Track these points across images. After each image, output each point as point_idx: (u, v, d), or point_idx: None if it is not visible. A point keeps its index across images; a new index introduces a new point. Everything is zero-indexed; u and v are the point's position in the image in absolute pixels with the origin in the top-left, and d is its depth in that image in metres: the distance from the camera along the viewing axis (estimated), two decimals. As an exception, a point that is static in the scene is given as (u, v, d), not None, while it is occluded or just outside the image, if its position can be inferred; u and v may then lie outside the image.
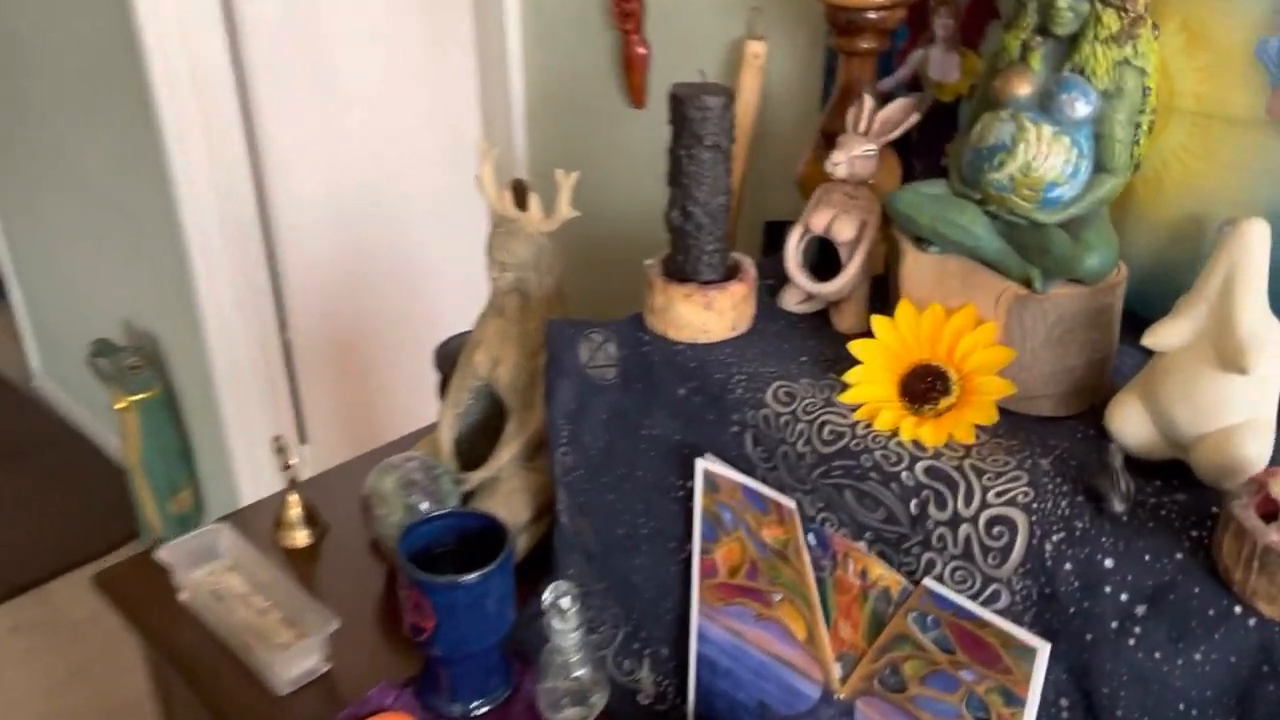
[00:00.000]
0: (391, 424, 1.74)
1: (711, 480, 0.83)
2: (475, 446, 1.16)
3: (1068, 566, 0.65)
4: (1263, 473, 0.62)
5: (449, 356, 1.24)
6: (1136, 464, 0.69)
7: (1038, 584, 0.66)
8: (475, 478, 1.11)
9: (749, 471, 0.82)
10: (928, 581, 0.71)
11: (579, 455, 0.96)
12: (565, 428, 0.96)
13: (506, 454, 1.10)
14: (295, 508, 1.18)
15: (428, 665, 0.97)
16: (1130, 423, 0.70)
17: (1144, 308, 0.78)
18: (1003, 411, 0.74)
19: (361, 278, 1.95)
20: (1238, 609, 0.59)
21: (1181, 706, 0.61)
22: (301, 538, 1.18)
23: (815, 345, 0.86)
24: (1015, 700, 0.68)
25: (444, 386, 1.22)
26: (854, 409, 0.78)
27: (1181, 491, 0.68)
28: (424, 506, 1.08)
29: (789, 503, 0.78)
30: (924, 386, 0.76)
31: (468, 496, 1.12)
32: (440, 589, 0.89)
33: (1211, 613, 0.59)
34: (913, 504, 0.72)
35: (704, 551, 0.86)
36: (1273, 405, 0.66)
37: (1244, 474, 0.65)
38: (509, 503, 1.09)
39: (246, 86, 1.75)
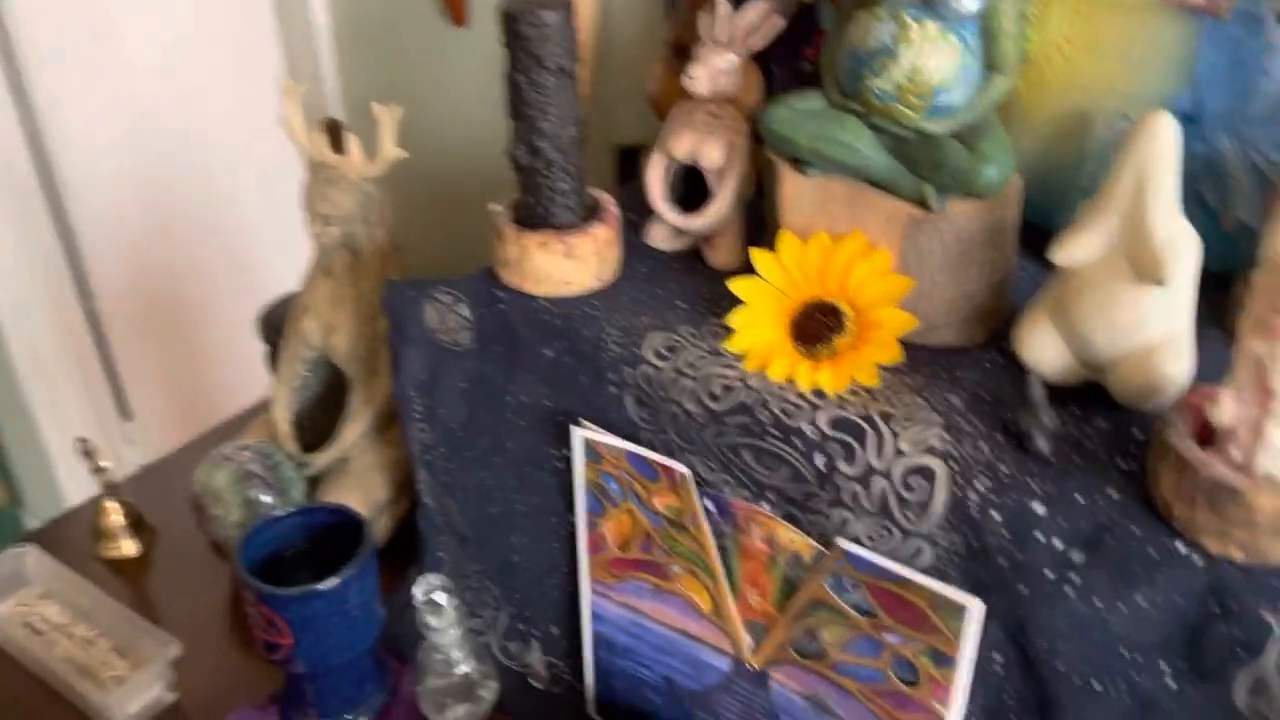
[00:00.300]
0: (224, 395, 1.58)
1: (592, 449, 0.74)
2: (317, 424, 1.04)
3: (995, 516, 0.59)
4: (1194, 395, 0.57)
5: (275, 324, 1.10)
6: (1050, 392, 0.64)
7: (963, 537, 0.61)
8: (320, 460, 0.99)
9: (633, 436, 0.73)
10: (842, 542, 0.64)
11: (437, 431, 0.85)
12: (418, 401, 0.85)
13: (353, 431, 0.98)
14: (115, 515, 1.03)
15: (290, 681, 0.86)
16: (1043, 348, 0.64)
17: (1031, 214, 0.73)
18: (904, 347, 0.68)
19: (171, 236, 1.75)
20: (1181, 547, 0.54)
21: (1125, 653, 0.57)
22: (128, 548, 1.04)
23: (692, 287, 0.78)
24: (946, 661, 0.62)
25: (274, 358, 1.09)
26: (743, 357, 0.70)
27: (1100, 418, 0.63)
28: (265, 500, 0.95)
29: (681, 468, 0.70)
30: (816, 326, 0.69)
31: (314, 481, 1.00)
32: (293, 602, 0.78)
33: (1153, 553, 0.55)
34: (819, 459, 0.65)
35: (590, 526, 0.78)
36: (1189, 315, 0.61)
37: (1166, 394, 0.61)
38: (363, 484, 0.98)
39: (4, 24, 1.51)
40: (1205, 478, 0.52)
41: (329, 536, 0.85)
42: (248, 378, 1.40)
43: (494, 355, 0.80)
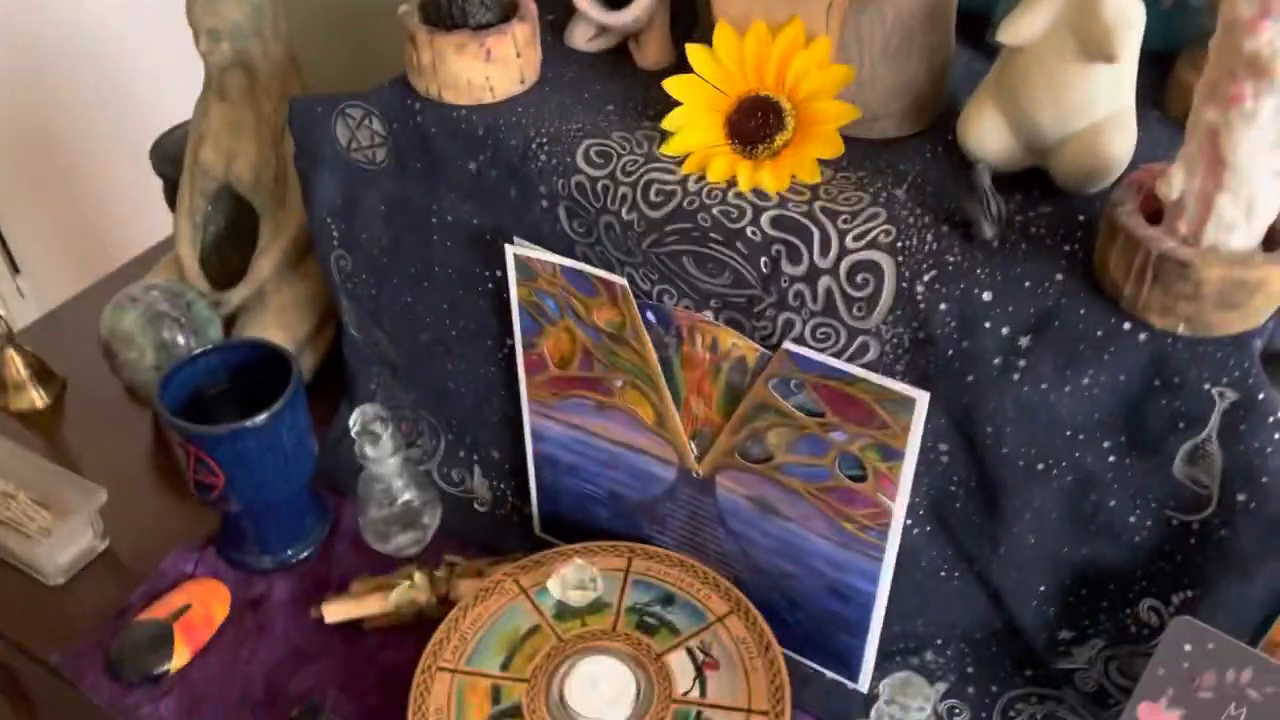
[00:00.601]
0: (122, 237, 1.49)
1: (525, 266, 0.71)
2: (227, 261, 0.99)
3: (943, 306, 0.58)
4: (1140, 173, 0.56)
5: (170, 156, 1.03)
6: (994, 180, 0.62)
7: (910, 330, 0.60)
8: (235, 297, 0.95)
9: (567, 251, 0.70)
10: (787, 345, 0.63)
11: (359, 258, 0.81)
12: (335, 228, 0.80)
13: (267, 264, 0.93)
14: (17, 365, 0.98)
15: (226, 520, 0.84)
16: (987, 134, 0.62)
17: (964, 2, 0.70)
18: (844, 141, 0.65)
19: (37, 68, 1.60)
20: (1127, 325, 0.54)
21: (1068, 433, 0.58)
22: (35, 398, 0.99)
23: (621, 89, 0.73)
24: (893, 454, 0.63)
25: (172, 193, 1.02)
26: (680, 161, 0.67)
27: (1045, 204, 0.62)
28: (180, 341, 0.91)
29: (620, 280, 0.67)
30: (755, 123, 0.66)
31: (230, 320, 0.95)
32: (222, 441, 0.75)
33: (1100, 333, 0.55)
34: (762, 262, 0.63)
35: (527, 346, 0.76)
36: (1132, 92, 0.60)
37: (1110, 175, 0.60)
38: (282, 320, 0.94)
39: None
40: (1154, 253, 0.52)
41: (253, 373, 0.81)
42: (145, 217, 1.32)
43: (414, 173, 0.75)
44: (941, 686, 0.74)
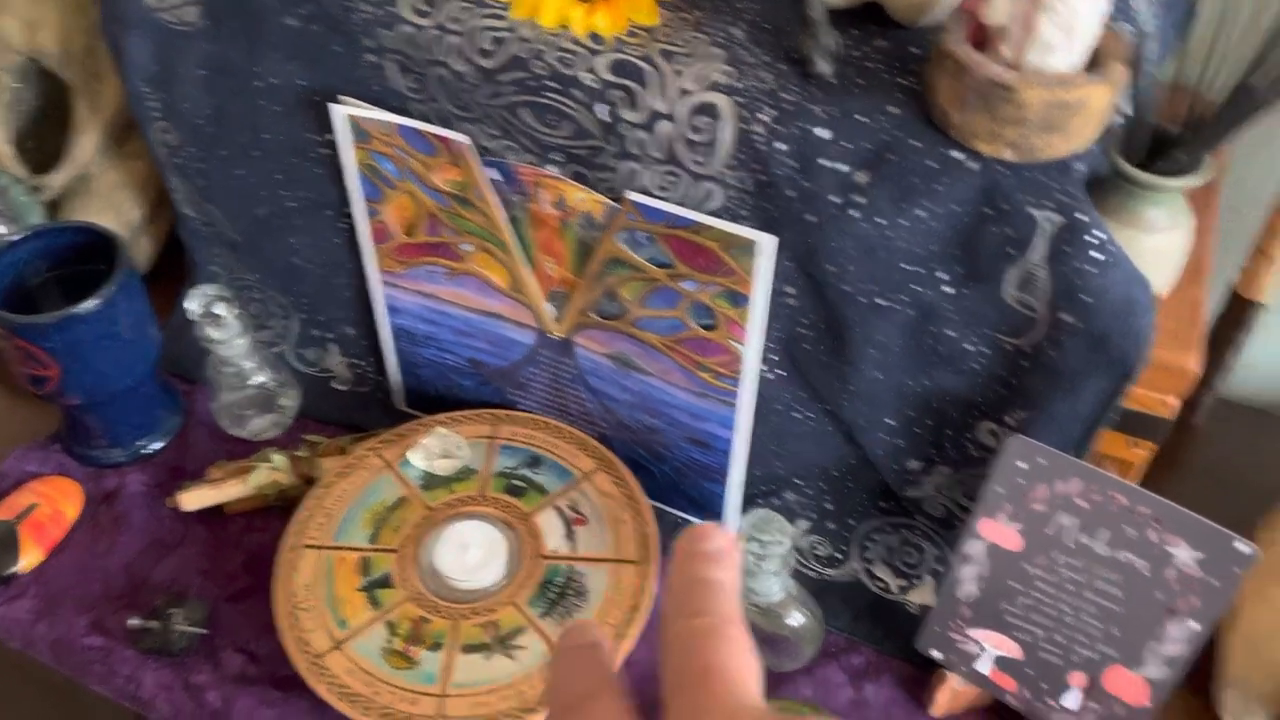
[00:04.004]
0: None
1: (358, 127, 0.68)
2: (45, 143, 0.91)
3: (781, 146, 0.58)
4: (970, 1, 0.56)
5: (-33, 31, 0.94)
6: (830, 16, 0.61)
7: (752, 173, 0.60)
8: (55, 181, 0.88)
9: (402, 109, 0.67)
10: (632, 195, 0.62)
11: (183, 130, 0.76)
12: (153, 98, 0.75)
13: (87, 144, 0.87)
14: None
15: (69, 414, 0.81)
16: (821, -32, 0.61)
17: None
18: (681, -20, 0.63)
19: None
20: (957, 154, 0.55)
21: (906, 267, 0.59)
22: None
23: (446, -67, 0.69)
24: (741, 300, 0.63)
25: (-25, 72, 0.93)
26: (510, 5, 0.64)
27: (880, 38, 0.61)
28: (-2, 231, 0.85)
29: (459, 137, 0.65)
30: (588, -36, 0.63)
31: (53, 207, 0.89)
32: (50, 330, 0.71)
33: (932, 164, 0.55)
34: (601, 110, 0.62)
35: (370, 214, 0.73)
36: (963, -78, 0.59)
37: (942, 5, 0.60)
38: (111, 204, 0.88)
39: None
40: (980, 78, 0.52)
41: (83, 261, 0.77)
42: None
43: (231, 32, 0.70)
44: (803, 524, 0.77)
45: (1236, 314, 0.79)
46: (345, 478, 0.76)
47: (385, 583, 0.70)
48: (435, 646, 0.67)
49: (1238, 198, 0.80)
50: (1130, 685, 0.61)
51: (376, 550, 0.72)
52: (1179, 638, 0.59)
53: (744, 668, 0.26)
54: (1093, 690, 0.63)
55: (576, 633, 0.30)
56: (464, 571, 0.70)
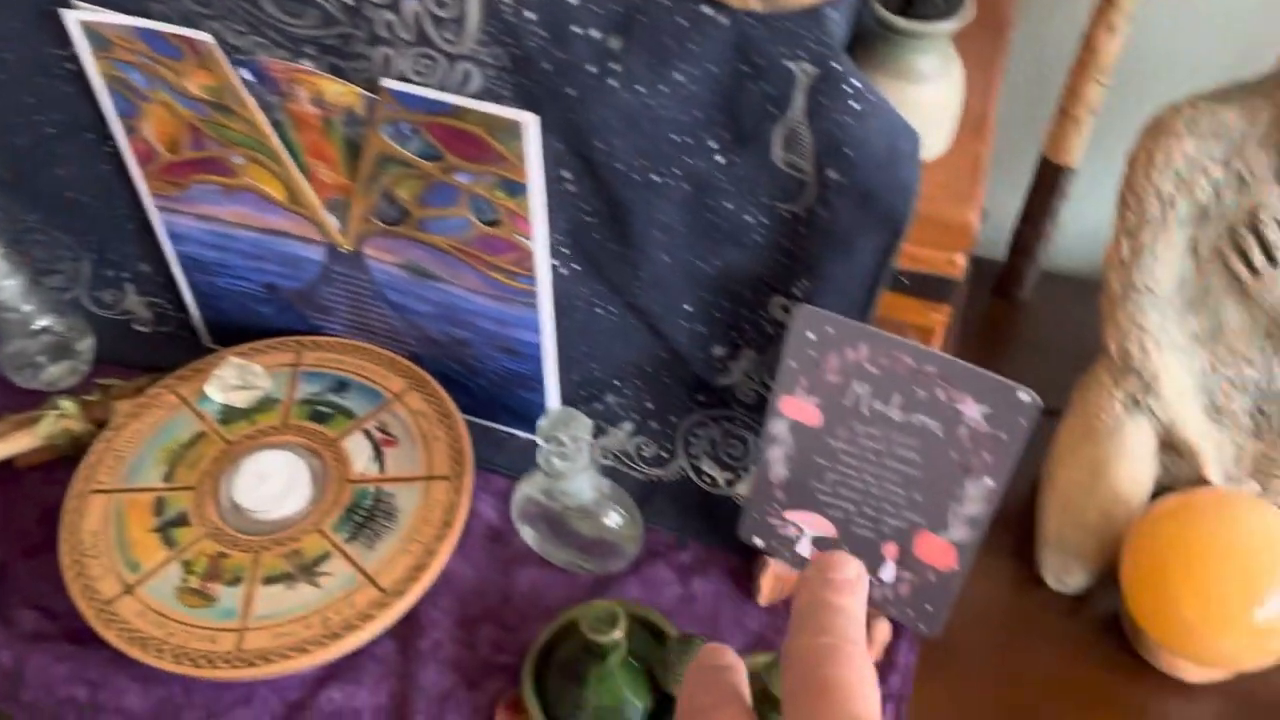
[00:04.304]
0: None
1: (95, 34, 0.63)
2: None
3: (531, 15, 0.54)
4: None
5: None
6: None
7: (505, 48, 0.56)
8: None
9: (140, 10, 0.62)
10: (388, 83, 0.58)
11: (-85, 55, 0.70)
12: (-121, 21, 0.69)
13: None
14: None
15: None
16: None
17: None
18: None
19: None
20: (706, 9, 0.52)
21: (674, 138, 0.56)
22: None
23: None
24: (518, 189, 0.60)
25: None
26: (242, -111, 0.59)
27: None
28: None
29: (202, 36, 0.60)
30: None
31: None
32: None
33: (683, 21, 0.53)
34: (346, -7, 0.58)
35: (128, 131, 0.68)
36: None
37: None
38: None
39: None
40: (716, -76, 0.49)
41: None
42: None
43: (-51, -59, 0.64)
44: (627, 426, 0.75)
45: (1049, 181, 0.79)
46: (138, 418, 0.72)
47: (181, 521, 0.67)
48: (235, 581, 0.64)
49: (1040, 59, 0.79)
50: (938, 550, 0.61)
51: (172, 489, 0.68)
52: (978, 496, 0.58)
53: (864, 684, 0.28)
54: (905, 559, 0.62)
55: (714, 654, 0.32)
56: (264, 502, 0.67)
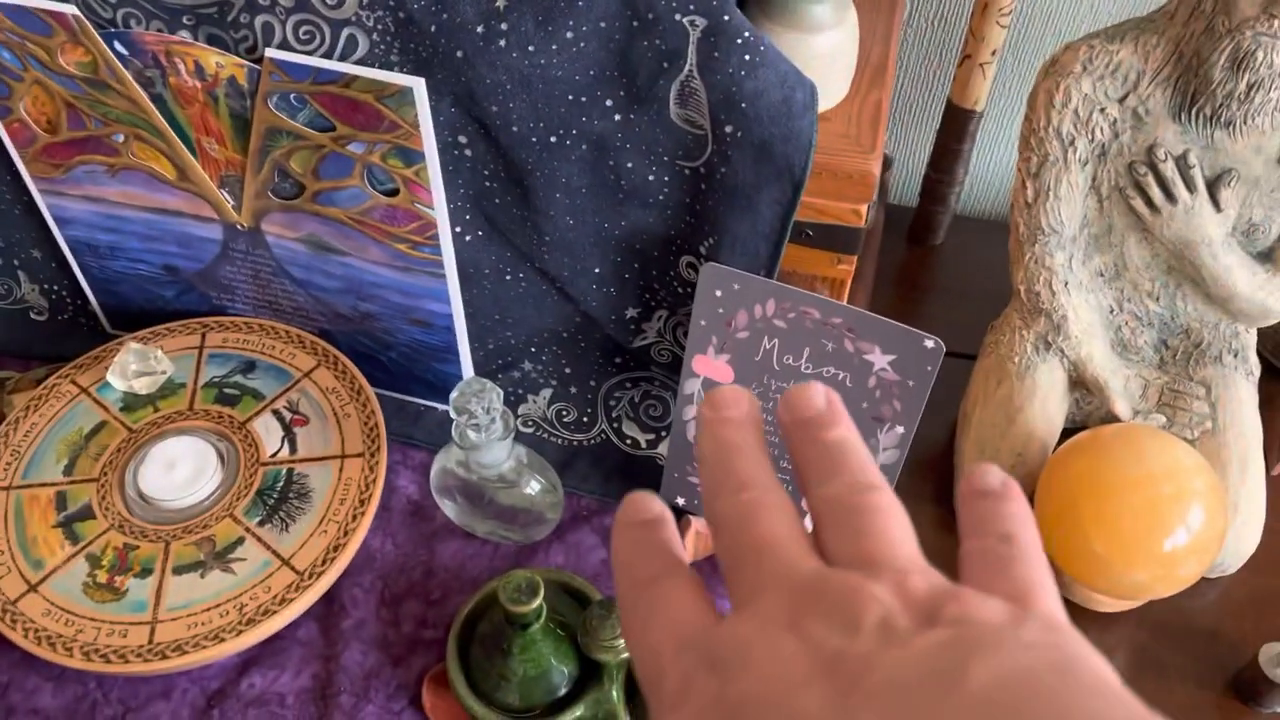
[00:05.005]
0: None
1: (-44, 12, 0.59)
2: None
3: (412, -23, 0.53)
4: None
5: None
6: None
7: (389, 11, 0.54)
8: None
9: (1, -17, 0.59)
10: (271, 52, 0.56)
11: None
12: None
13: None
14: None
15: None
16: None
17: None
18: None
19: None
20: (594, -35, 0.51)
21: (570, 98, 0.55)
22: None
23: None
24: (414, 156, 0.59)
25: None
26: None
27: None
28: None
29: (65, 8, 0.57)
30: None
31: None
32: None
33: (569, -21, 0.51)
34: (219, -41, 0.55)
35: (4, 113, 0.65)
36: None
37: None
38: None
39: None
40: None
41: None
42: None
43: None
44: (547, 393, 0.74)
45: (956, 125, 0.79)
46: (35, 410, 0.69)
47: (85, 515, 0.65)
48: (144, 573, 0.62)
49: (942, 3, 0.79)
50: (855, 500, 0.61)
51: (73, 482, 0.66)
52: (890, 445, 0.58)
53: (794, 531, 0.25)
54: (823, 511, 0.62)
55: (633, 507, 0.27)
56: (172, 491, 0.65)
